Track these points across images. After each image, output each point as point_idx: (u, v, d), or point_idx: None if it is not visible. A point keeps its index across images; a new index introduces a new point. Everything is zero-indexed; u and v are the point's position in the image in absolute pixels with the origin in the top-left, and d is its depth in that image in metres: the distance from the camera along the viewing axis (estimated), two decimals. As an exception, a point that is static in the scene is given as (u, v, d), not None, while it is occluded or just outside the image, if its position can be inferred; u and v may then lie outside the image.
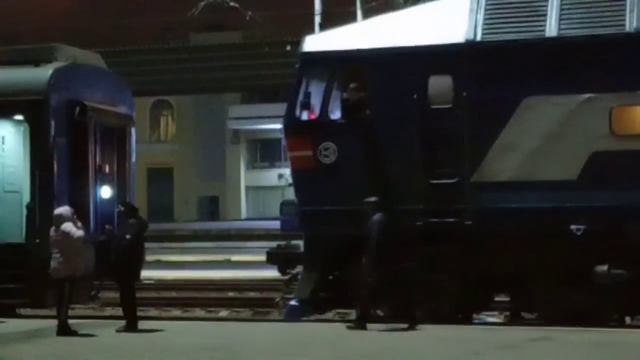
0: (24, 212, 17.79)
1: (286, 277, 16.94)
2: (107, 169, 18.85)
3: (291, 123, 16.58)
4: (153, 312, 19.32)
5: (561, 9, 15.37)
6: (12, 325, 16.16)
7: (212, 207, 62.20)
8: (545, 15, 15.41)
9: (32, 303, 17.78)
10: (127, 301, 15.32)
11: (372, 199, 15.16)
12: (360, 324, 14.77)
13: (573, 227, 14.93)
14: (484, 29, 15.62)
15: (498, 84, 15.41)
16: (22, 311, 18.48)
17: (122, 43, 32.10)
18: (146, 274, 18.40)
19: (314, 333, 14.72)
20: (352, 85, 16.16)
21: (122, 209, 16.03)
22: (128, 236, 15.11)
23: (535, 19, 15.48)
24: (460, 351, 12.71)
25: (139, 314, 15.80)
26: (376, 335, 14.44)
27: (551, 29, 15.34)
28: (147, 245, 16.30)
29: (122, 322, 15.25)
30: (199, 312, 19.68)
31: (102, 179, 18.62)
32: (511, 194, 15.31)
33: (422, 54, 15.75)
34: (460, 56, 15.59)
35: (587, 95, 15.14)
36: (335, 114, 16.35)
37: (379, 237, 14.72)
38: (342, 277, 16.15)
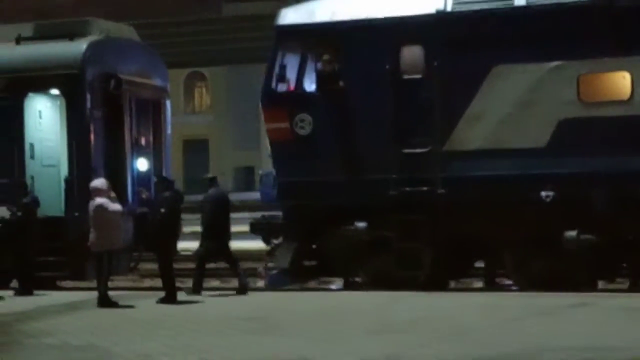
0: (63, 185, 17.97)
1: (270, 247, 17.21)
2: (143, 141, 18.97)
3: (267, 95, 16.79)
4: (190, 283, 19.40)
5: None
6: (53, 297, 16.36)
7: (248, 178, 62.39)
8: None
9: (72, 275, 17.99)
10: (166, 273, 15.43)
11: (209, 175, 16.42)
12: (194, 290, 15.68)
13: (542, 193, 15.12)
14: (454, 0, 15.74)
15: (468, 54, 15.56)
16: (63, 283, 18.72)
17: (155, 15, 32.13)
18: (184, 245, 18.51)
19: (349, 302, 14.77)
20: (325, 57, 16.36)
21: (157, 181, 16.15)
22: (163, 209, 15.19)
23: None
24: (499, 318, 12.71)
25: (177, 285, 15.94)
26: (412, 304, 14.47)
27: None
28: (184, 217, 16.40)
29: (162, 294, 15.38)
30: (237, 283, 19.76)
31: (139, 151, 18.75)
32: (482, 162, 15.52)
33: (394, 25, 15.91)
34: (431, 27, 15.74)
35: (555, 63, 15.26)
36: (310, 86, 16.55)
37: (211, 212, 15.38)
38: (322, 247, 16.47)
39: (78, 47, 18.01)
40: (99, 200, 14.95)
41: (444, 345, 10.87)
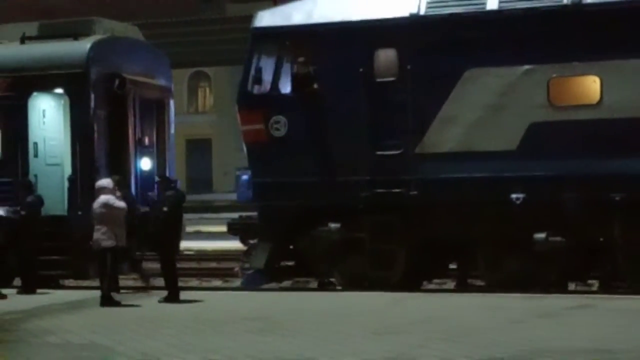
0: (66, 184, 18.00)
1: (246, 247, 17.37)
2: (146, 141, 19.01)
3: (243, 97, 16.94)
4: (194, 282, 19.48)
5: None
6: (56, 296, 16.40)
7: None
8: None
9: (75, 274, 18.02)
10: (168, 272, 15.47)
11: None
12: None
13: (513, 196, 15.26)
14: (427, 3, 15.91)
15: (441, 57, 15.70)
16: (66, 282, 18.75)
17: (159, 15, 32.18)
18: (186, 244, 18.59)
19: (355, 302, 14.79)
20: (300, 60, 16.51)
21: (160, 180, 16.19)
22: (165, 208, 15.22)
23: None
24: (501, 319, 12.73)
25: (180, 284, 15.97)
26: (418, 304, 14.51)
27: (492, 2, 15.58)
28: (186, 216, 16.44)
29: (164, 293, 15.41)
30: (239, 282, 19.80)
31: (142, 151, 18.79)
32: (453, 165, 15.68)
33: (368, 28, 16.06)
34: (404, 30, 15.87)
35: (525, 67, 15.41)
36: (286, 88, 16.68)
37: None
38: (297, 247, 16.63)
39: (82, 46, 18.05)
40: (105, 197, 14.99)
41: (447, 347, 10.89)
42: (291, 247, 16.85)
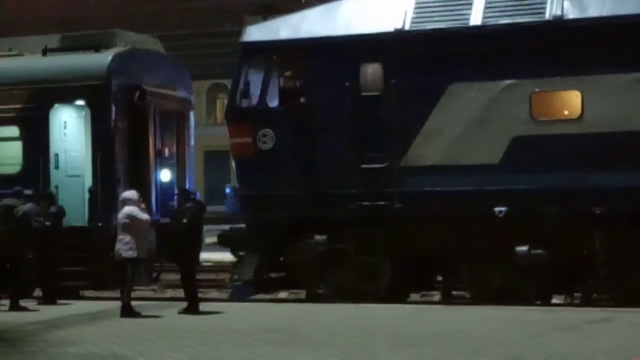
0: (86, 195, 18.10)
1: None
2: (166, 152, 19.12)
3: (232, 111, 17.18)
4: (213, 293, 19.51)
5: None
6: (76, 307, 16.46)
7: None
8: (470, 4, 15.86)
9: (95, 285, 18.10)
10: (188, 283, 15.51)
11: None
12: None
13: (495, 209, 15.40)
14: (412, 19, 16.09)
15: (425, 72, 15.91)
16: (86, 293, 18.82)
17: (179, 28, 32.34)
18: (205, 256, 18.64)
19: (374, 314, 14.80)
20: (287, 74, 16.73)
21: (179, 193, 16.30)
22: (185, 220, 15.29)
23: (460, 7, 15.94)
24: (520, 333, 12.71)
25: (199, 295, 16.01)
26: (437, 317, 14.50)
27: (475, 17, 15.75)
28: (205, 227, 16.48)
29: (184, 304, 15.46)
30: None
31: (162, 162, 18.89)
32: (437, 178, 15.86)
33: (354, 43, 16.26)
34: (389, 45, 16.07)
35: (508, 82, 15.58)
36: (273, 102, 16.87)
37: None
38: (285, 259, 16.81)
39: (103, 58, 18.17)
40: (129, 208, 15.06)
41: None
42: (282, 258, 17.00)
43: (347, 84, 16.20)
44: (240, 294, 17.04)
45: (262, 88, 16.82)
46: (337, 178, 16.28)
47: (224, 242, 17.42)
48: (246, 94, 16.89)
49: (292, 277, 17.15)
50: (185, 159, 19.57)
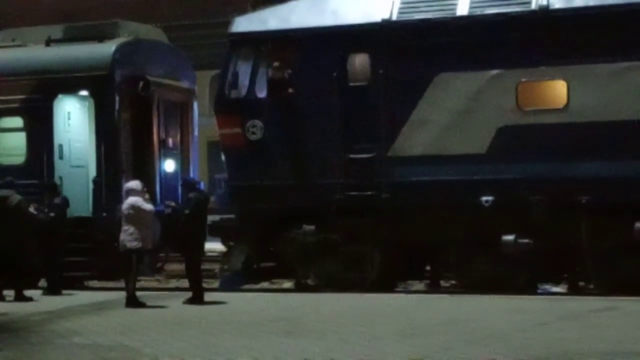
0: (91, 186, 18.12)
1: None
2: (170, 142, 19.13)
3: (220, 102, 17.23)
4: (218, 284, 19.50)
5: None
6: (81, 297, 16.49)
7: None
8: None
9: (99, 275, 18.12)
10: (193, 274, 15.52)
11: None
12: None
13: (482, 198, 15.49)
14: (399, 9, 16.13)
15: (412, 62, 15.97)
16: (90, 283, 18.85)
17: (182, 18, 32.27)
18: (210, 246, 18.62)
19: (379, 304, 14.81)
20: (275, 64, 16.75)
21: (182, 184, 16.31)
22: (187, 211, 15.29)
23: None
24: (525, 321, 12.71)
25: (204, 285, 16.02)
26: (440, 306, 14.51)
27: (462, 7, 15.81)
28: (210, 217, 16.49)
29: (188, 294, 15.47)
30: (263, 284, 19.86)
31: (166, 152, 18.90)
32: (424, 168, 15.94)
33: (341, 33, 16.33)
34: (377, 35, 16.13)
35: (495, 72, 15.65)
36: (262, 93, 16.92)
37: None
38: (274, 249, 16.92)
39: (107, 49, 18.17)
40: (133, 198, 15.06)
41: (473, 349, 10.88)
42: (272, 249, 17.08)
43: (334, 74, 16.27)
44: (230, 284, 17.16)
45: (250, 79, 16.91)
46: (325, 168, 16.38)
47: (214, 232, 17.49)
48: (235, 84, 17.01)
49: (282, 267, 17.23)
50: (189, 149, 19.57)
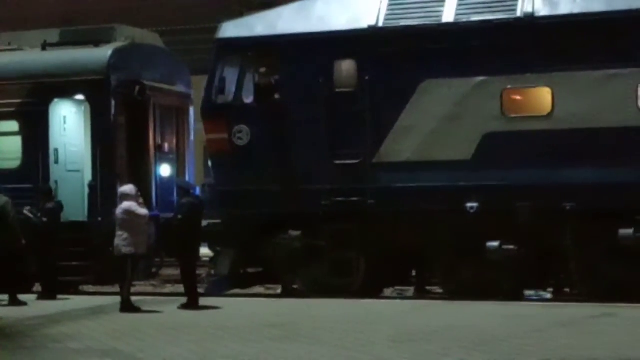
0: (86, 190, 18.08)
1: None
2: (166, 147, 19.10)
3: (208, 107, 17.28)
4: (204, 289, 19.45)
5: None
6: (76, 302, 16.46)
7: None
8: (443, 1, 16.00)
9: (94, 280, 18.08)
10: (188, 278, 15.49)
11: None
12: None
13: (467, 205, 15.54)
14: (385, 16, 16.21)
15: (398, 68, 16.04)
16: (85, 288, 18.80)
17: (178, 23, 32.25)
18: (206, 251, 18.57)
19: (374, 310, 14.78)
20: (262, 70, 16.85)
21: (177, 189, 16.31)
22: (180, 216, 15.25)
23: (433, 5, 16.08)
24: (522, 328, 12.69)
25: (199, 291, 15.98)
26: (436, 312, 14.49)
27: (448, 14, 15.89)
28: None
29: (183, 299, 15.43)
30: (259, 289, 19.83)
31: (162, 157, 18.88)
32: (410, 174, 16.01)
33: (328, 40, 16.41)
34: (363, 41, 16.21)
35: (480, 78, 15.72)
36: (249, 98, 17.00)
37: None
38: (261, 254, 16.93)
39: (103, 53, 18.15)
40: (128, 203, 15.03)
41: (468, 355, 10.85)
42: (259, 254, 17.07)
43: (321, 80, 16.33)
44: (217, 289, 17.18)
45: (237, 84, 16.96)
46: (311, 174, 16.43)
47: (201, 237, 17.52)
48: (222, 90, 17.05)
49: (268, 272, 17.29)
50: (185, 154, 19.55)
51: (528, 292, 17.06)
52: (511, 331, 12.44)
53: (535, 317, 13.63)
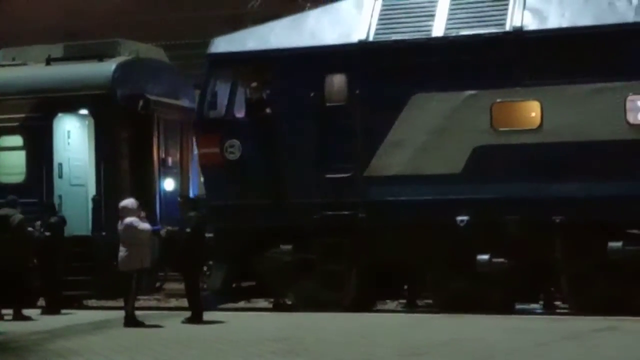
0: (90, 205, 18.09)
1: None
2: (170, 161, 19.11)
3: (200, 122, 17.36)
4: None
5: (448, 10, 16.02)
6: (79, 316, 16.45)
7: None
8: (433, 16, 16.08)
9: (98, 295, 18.07)
10: (192, 293, 15.47)
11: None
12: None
13: (457, 218, 15.57)
14: (376, 30, 16.30)
15: (388, 82, 16.09)
16: (89, 303, 18.78)
17: (182, 37, 32.39)
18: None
19: (378, 323, 14.77)
20: (253, 85, 16.93)
21: (181, 201, 16.28)
22: (188, 230, 15.25)
23: (423, 19, 16.16)
24: (526, 341, 12.66)
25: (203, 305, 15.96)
26: (441, 325, 14.46)
27: (438, 29, 15.96)
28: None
29: (187, 314, 15.42)
30: (263, 303, 19.82)
31: (166, 171, 18.89)
32: (400, 188, 16.04)
33: (318, 54, 16.49)
34: (353, 56, 16.29)
35: (469, 92, 15.77)
36: (240, 113, 17.08)
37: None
38: (254, 269, 16.93)
39: (107, 67, 18.19)
40: (129, 219, 15.03)
41: (472, 369, 10.83)
42: (250, 268, 17.06)
43: (312, 94, 16.37)
44: (209, 303, 17.11)
45: (229, 99, 17.04)
46: (302, 188, 16.46)
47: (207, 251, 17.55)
48: (214, 104, 17.14)
49: (260, 286, 17.32)
50: (189, 168, 19.56)
51: (533, 305, 17.07)
52: (516, 345, 12.41)
53: (538, 330, 13.60)
